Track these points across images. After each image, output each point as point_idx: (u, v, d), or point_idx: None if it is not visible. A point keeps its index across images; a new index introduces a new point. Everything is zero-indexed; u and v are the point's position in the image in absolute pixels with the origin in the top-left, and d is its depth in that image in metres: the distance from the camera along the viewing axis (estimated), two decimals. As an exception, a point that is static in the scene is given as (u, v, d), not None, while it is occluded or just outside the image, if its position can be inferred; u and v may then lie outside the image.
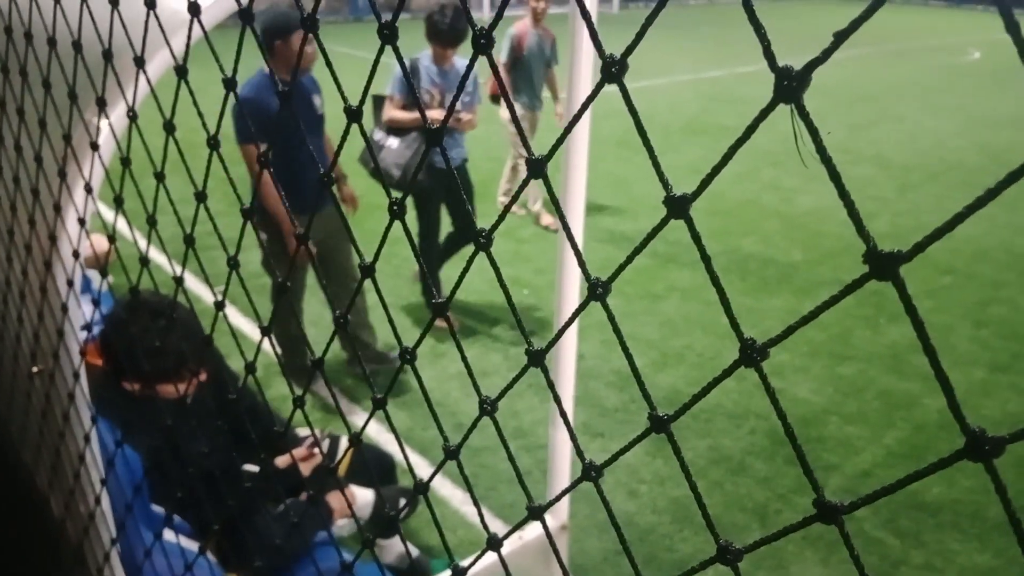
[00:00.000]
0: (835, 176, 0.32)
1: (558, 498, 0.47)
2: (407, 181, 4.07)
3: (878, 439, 3.64)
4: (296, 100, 3.38)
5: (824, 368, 4.16)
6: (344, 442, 2.45)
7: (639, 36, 0.34)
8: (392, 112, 4.15)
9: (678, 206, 0.33)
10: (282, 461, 2.24)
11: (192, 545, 1.66)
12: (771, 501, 3.19)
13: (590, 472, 0.42)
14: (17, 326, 1.16)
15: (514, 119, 0.44)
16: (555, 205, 0.41)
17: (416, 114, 4.00)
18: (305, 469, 2.21)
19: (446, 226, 4.57)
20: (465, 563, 0.57)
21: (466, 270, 0.49)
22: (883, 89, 11.98)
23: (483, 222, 0.50)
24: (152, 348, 1.75)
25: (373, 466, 2.47)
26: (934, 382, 0.32)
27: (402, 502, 2.41)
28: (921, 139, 9.35)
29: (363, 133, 0.52)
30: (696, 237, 0.34)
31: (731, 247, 5.98)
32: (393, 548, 2.59)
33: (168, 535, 1.37)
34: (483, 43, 0.39)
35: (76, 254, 0.95)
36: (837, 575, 2.81)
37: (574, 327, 1.62)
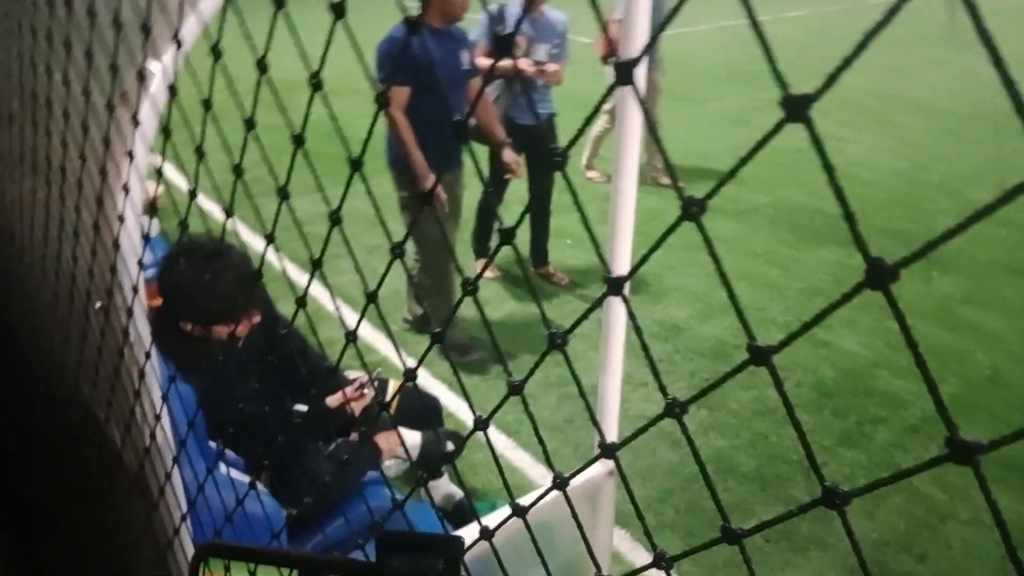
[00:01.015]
0: (839, 192, 0.32)
1: (635, 435, 0.45)
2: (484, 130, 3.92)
3: (926, 394, 3.52)
4: (444, 50, 3.26)
5: (874, 321, 4.07)
6: (392, 384, 2.46)
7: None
8: (477, 59, 3.96)
9: (798, 106, 0.29)
10: (332, 401, 2.26)
11: (243, 478, 1.69)
12: (818, 454, 3.13)
13: (674, 409, 0.39)
14: (72, 264, 1.17)
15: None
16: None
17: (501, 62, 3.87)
18: (355, 409, 2.24)
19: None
20: (526, 501, 0.55)
21: (544, 230, 0.47)
22: (917, 32, 11.47)
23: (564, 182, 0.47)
24: (206, 290, 1.77)
25: (420, 409, 2.49)
26: (985, 336, 0.30)
27: (448, 445, 2.43)
28: (967, 85, 8.94)
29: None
30: (816, 139, 0.31)
31: (779, 198, 5.85)
32: (439, 489, 2.63)
33: (223, 469, 1.39)
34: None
35: (126, 188, 0.95)
36: (883, 527, 2.78)
37: (626, 253, 1.57)
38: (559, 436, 3.21)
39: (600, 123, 5.97)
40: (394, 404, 2.43)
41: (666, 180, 6.05)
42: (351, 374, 2.44)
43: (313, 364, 2.28)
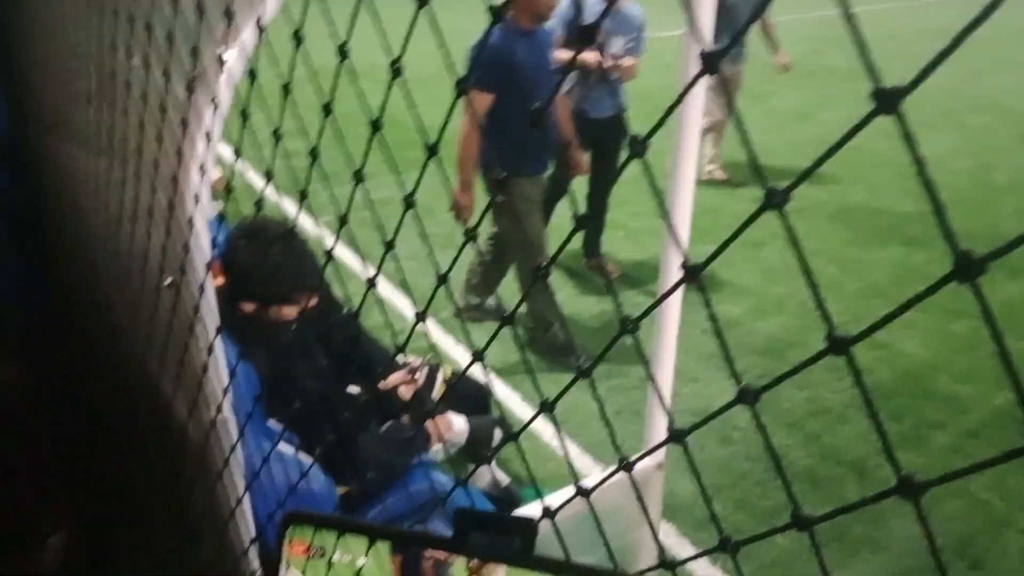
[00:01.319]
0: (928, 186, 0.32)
1: (706, 421, 0.45)
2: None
3: (987, 399, 3.47)
4: (533, 52, 3.21)
5: (935, 323, 3.97)
6: (443, 371, 2.49)
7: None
8: (555, 52, 3.96)
9: (890, 98, 0.29)
10: (384, 384, 2.30)
11: (302, 458, 1.73)
12: (871, 456, 3.09)
13: (747, 396, 0.40)
14: (145, 241, 1.21)
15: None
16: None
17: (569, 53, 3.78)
18: (405, 393, 2.27)
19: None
20: (588, 484, 0.56)
21: (599, 222, 0.47)
22: (1003, 33, 11.07)
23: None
24: (266, 272, 1.81)
25: (469, 395, 2.51)
26: None
27: (496, 432, 2.45)
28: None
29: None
30: (907, 133, 0.30)
31: (839, 195, 5.73)
32: (485, 475, 2.65)
33: (283, 447, 1.43)
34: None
35: (203, 168, 0.97)
36: (938, 532, 2.71)
37: (678, 263, 1.56)
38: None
39: (702, 121, 5.81)
40: (443, 390, 2.46)
41: (721, 175, 5.97)
42: (403, 358, 2.47)
43: (367, 348, 2.32)
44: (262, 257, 1.81)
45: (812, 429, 3.23)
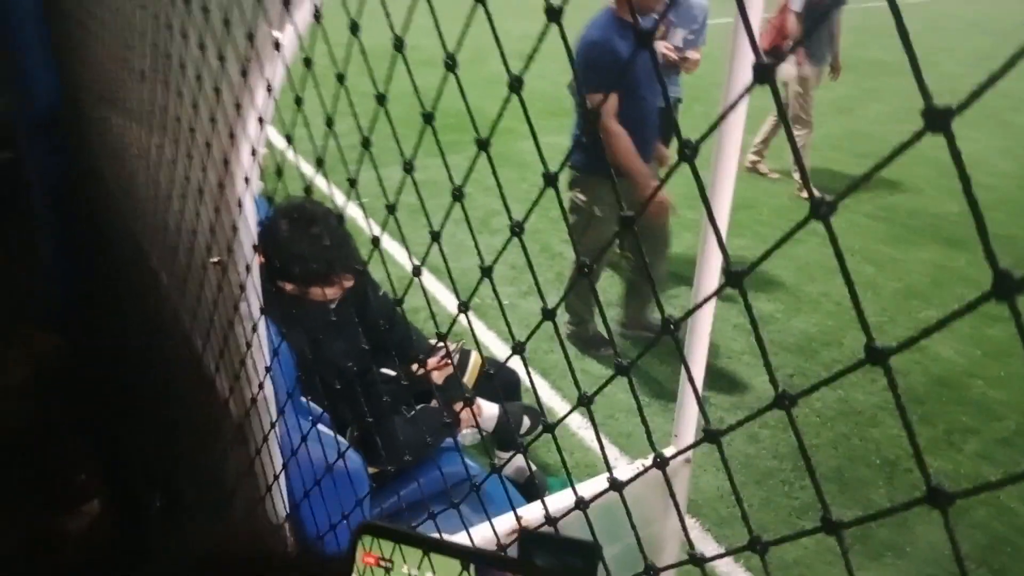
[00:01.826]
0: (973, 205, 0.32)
1: (742, 423, 0.46)
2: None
3: (1021, 406, 3.41)
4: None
5: (972, 328, 3.91)
6: (474, 356, 2.52)
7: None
8: None
9: (940, 117, 0.30)
10: (420, 367, 2.33)
11: (332, 435, 1.77)
12: (901, 459, 3.06)
13: (783, 400, 0.41)
14: (194, 220, 1.24)
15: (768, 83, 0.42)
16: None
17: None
18: (437, 378, 2.30)
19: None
20: (623, 475, 0.57)
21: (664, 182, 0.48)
22: None
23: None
24: (305, 253, 1.84)
25: (500, 383, 2.54)
26: None
27: (525, 419, 2.48)
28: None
29: (563, 38, 0.51)
30: (955, 154, 0.31)
31: (878, 193, 5.65)
32: (512, 462, 2.68)
33: (320, 425, 1.46)
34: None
35: (254, 151, 1.00)
36: (963, 540, 2.70)
37: (716, 263, 1.57)
38: (634, 419, 3.22)
39: (769, 121, 5.66)
40: (474, 375, 2.49)
41: (765, 168, 5.90)
42: (435, 342, 2.50)
43: (402, 331, 2.35)
44: (302, 238, 1.85)
45: (841, 430, 3.21)
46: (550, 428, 0.63)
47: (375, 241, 0.80)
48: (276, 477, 1.16)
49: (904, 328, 3.94)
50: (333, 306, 2.05)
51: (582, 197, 3.36)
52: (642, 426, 0.56)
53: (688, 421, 1.78)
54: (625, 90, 3.05)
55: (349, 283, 2.05)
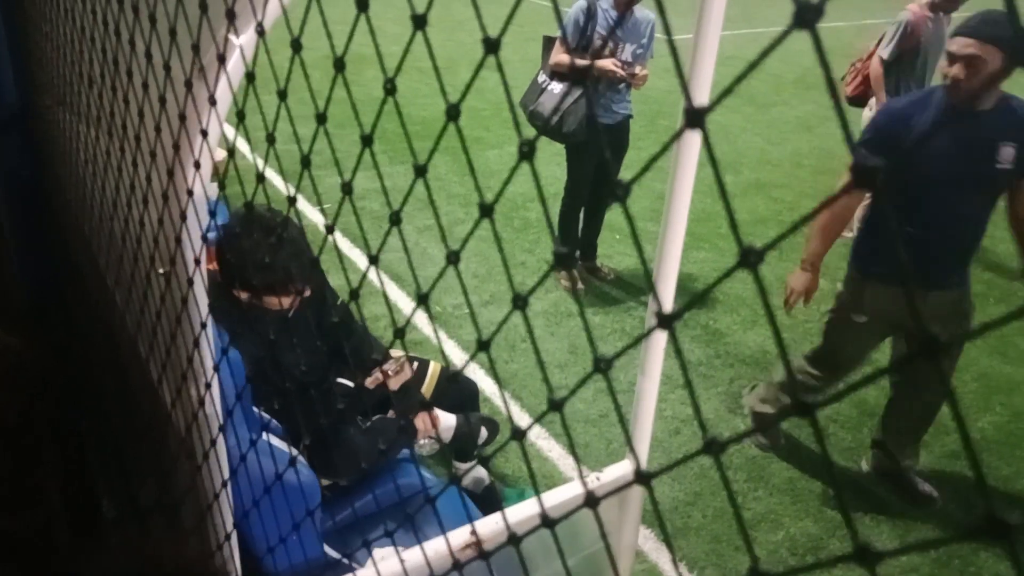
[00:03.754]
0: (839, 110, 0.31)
1: (671, 467, 0.46)
2: (563, 129, 3.84)
3: (972, 422, 3.49)
4: (960, 141, 2.44)
5: (924, 343, 3.99)
6: (433, 366, 2.50)
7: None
8: (559, 55, 3.90)
9: (868, 175, 0.30)
10: (372, 381, 2.31)
11: (284, 447, 1.74)
12: (851, 471, 3.12)
13: (711, 447, 0.40)
14: (139, 229, 1.22)
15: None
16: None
17: (584, 61, 3.68)
18: (393, 385, 2.28)
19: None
20: (556, 497, 0.57)
21: (597, 225, 0.48)
22: None
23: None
24: (262, 262, 1.81)
25: (457, 392, 2.53)
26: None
27: (483, 431, 2.47)
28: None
29: (500, 68, 0.50)
30: (884, 207, 0.31)
31: (838, 207, 5.74)
32: (469, 473, 2.66)
33: (265, 437, 1.44)
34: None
35: (197, 164, 0.98)
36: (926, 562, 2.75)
37: (672, 284, 1.59)
38: (592, 430, 3.23)
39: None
40: (431, 385, 2.47)
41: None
42: (394, 352, 2.48)
43: (357, 340, 2.33)
44: (256, 246, 1.82)
45: (794, 440, 3.26)
46: (519, 435, 0.62)
47: (329, 229, 0.78)
48: (219, 491, 1.14)
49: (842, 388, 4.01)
50: (290, 314, 2.02)
51: (848, 297, 2.87)
52: (600, 437, 0.56)
53: (642, 436, 1.79)
54: (922, 183, 2.47)
55: (307, 293, 2.03)
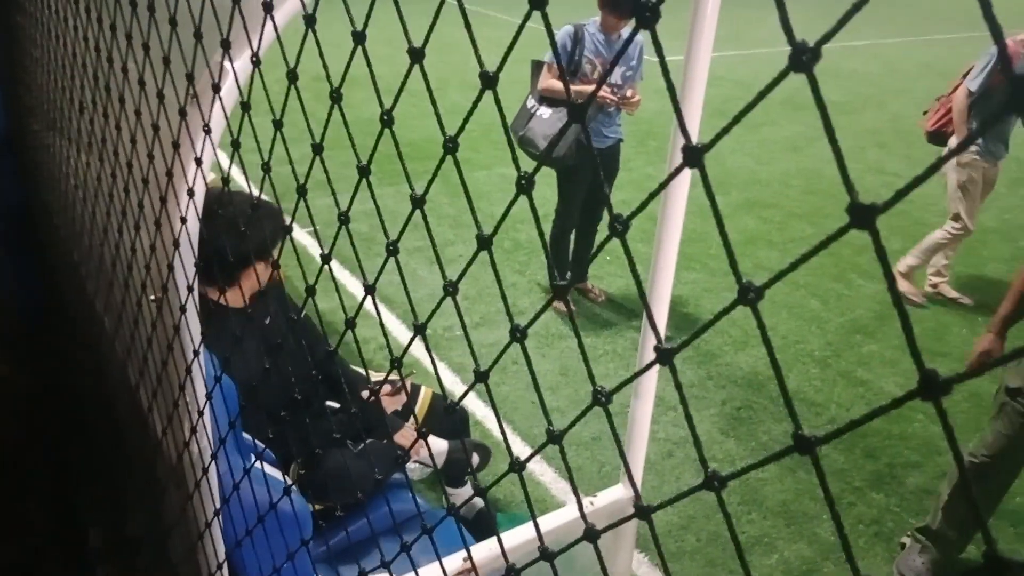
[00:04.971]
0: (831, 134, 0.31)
1: (671, 502, 0.46)
2: (554, 153, 3.81)
3: (963, 442, 3.49)
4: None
5: (913, 364, 4.00)
6: (424, 390, 2.49)
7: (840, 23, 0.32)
8: (548, 80, 3.88)
9: (864, 215, 0.30)
10: (384, 394, 2.29)
11: (275, 473, 1.72)
12: (845, 493, 3.11)
13: (712, 482, 0.40)
14: (130, 255, 1.21)
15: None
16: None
17: (579, 87, 3.69)
18: (389, 406, 2.26)
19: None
20: (549, 521, 0.56)
21: (595, 254, 0.48)
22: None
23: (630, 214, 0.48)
24: (221, 238, 1.76)
25: (448, 417, 2.51)
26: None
27: (475, 456, 2.45)
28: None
29: (497, 102, 0.51)
30: (880, 249, 0.31)
31: (826, 229, 5.76)
32: (460, 497, 2.64)
33: (258, 464, 1.42)
34: (649, 16, 0.36)
35: (191, 192, 0.98)
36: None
37: (664, 310, 1.59)
38: (585, 453, 3.21)
39: (941, 231, 4.62)
40: (423, 409, 2.46)
41: (949, 291, 4.79)
42: (377, 375, 2.47)
43: (340, 369, 2.31)
44: (215, 223, 1.79)
45: (788, 464, 3.24)
46: (519, 468, 0.61)
47: (325, 259, 0.78)
48: (209, 522, 1.12)
49: (848, 362, 4.02)
50: (249, 311, 1.97)
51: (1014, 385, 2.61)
52: (592, 460, 0.56)
53: (637, 458, 1.78)
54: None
55: (266, 273, 1.95)
